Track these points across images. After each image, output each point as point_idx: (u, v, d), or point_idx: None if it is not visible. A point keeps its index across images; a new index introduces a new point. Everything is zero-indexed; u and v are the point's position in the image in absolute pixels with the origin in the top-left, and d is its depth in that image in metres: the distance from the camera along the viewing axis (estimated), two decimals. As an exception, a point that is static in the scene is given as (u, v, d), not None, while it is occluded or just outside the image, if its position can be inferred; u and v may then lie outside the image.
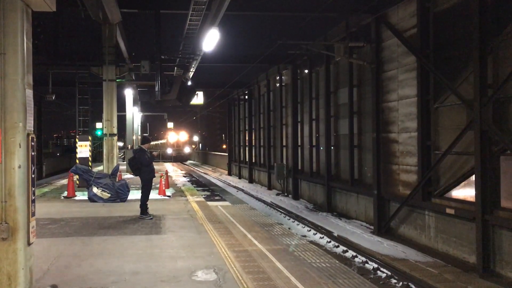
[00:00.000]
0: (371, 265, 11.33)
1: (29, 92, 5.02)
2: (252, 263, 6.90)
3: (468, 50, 11.27)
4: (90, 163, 17.84)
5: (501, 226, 10.15)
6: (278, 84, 27.92)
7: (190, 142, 72.17)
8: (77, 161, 17.72)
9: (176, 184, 19.89)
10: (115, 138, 18.86)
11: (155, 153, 22.59)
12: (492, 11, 10.67)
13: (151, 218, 10.81)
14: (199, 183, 21.22)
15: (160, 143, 75.46)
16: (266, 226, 9.79)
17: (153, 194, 13.24)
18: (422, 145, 12.91)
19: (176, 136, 67.29)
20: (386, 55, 14.96)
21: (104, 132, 18.78)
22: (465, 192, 11.94)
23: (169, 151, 65.21)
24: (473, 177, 11.13)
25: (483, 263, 10.39)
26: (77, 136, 18.68)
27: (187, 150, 68.09)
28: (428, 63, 12.60)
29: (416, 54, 13.03)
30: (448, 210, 11.74)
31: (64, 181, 20.44)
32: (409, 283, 9.85)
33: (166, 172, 19.45)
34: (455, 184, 12.08)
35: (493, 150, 10.57)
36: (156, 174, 11.86)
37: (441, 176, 12.57)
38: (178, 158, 63.62)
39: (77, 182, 16.63)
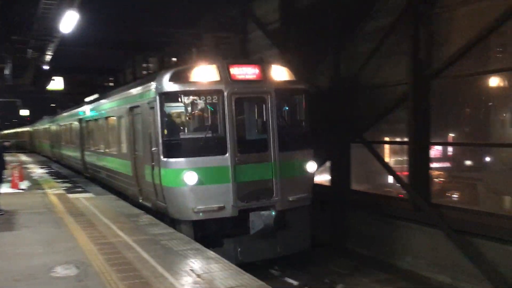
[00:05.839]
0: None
1: None
2: (116, 254, 6.70)
3: (325, 45, 12.16)
4: None
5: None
6: (145, 72, 27.22)
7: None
8: None
9: (32, 177, 18.33)
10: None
11: (7, 143, 20.29)
12: (346, 10, 11.63)
13: (3, 214, 9.86)
14: (59, 174, 19.73)
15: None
16: (132, 217, 9.54)
17: (5, 188, 12.06)
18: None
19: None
20: (252, 47, 15.48)
21: None
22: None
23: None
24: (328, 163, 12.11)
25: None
26: None
27: (311, 167, 9.46)
28: (289, 56, 13.33)
29: (279, 47, 13.68)
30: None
31: None
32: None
33: (21, 163, 17.81)
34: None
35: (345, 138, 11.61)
36: (8, 166, 10.80)
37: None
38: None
39: None
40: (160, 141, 8.58)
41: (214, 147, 8.54)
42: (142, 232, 8.14)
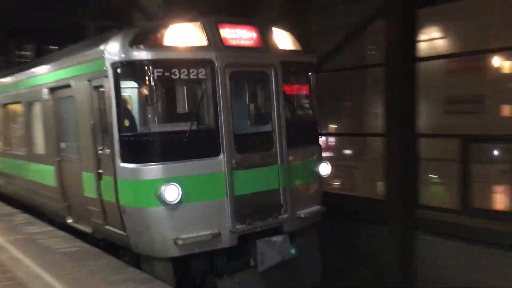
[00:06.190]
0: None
1: None
2: (-13, 257, 6.23)
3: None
4: None
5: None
6: (19, 60, 25.32)
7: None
8: None
9: None
10: None
11: None
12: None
13: None
14: None
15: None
16: (6, 216, 8.87)
17: None
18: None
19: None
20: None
21: None
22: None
23: None
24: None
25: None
26: None
27: (324, 169, 7.16)
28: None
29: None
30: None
31: None
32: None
33: None
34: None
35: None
36: None
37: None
38: None
39: None
40: (117, 137, 5.72)
41: (202, 145, 5.82)
42: (18, 232, 7.64)
